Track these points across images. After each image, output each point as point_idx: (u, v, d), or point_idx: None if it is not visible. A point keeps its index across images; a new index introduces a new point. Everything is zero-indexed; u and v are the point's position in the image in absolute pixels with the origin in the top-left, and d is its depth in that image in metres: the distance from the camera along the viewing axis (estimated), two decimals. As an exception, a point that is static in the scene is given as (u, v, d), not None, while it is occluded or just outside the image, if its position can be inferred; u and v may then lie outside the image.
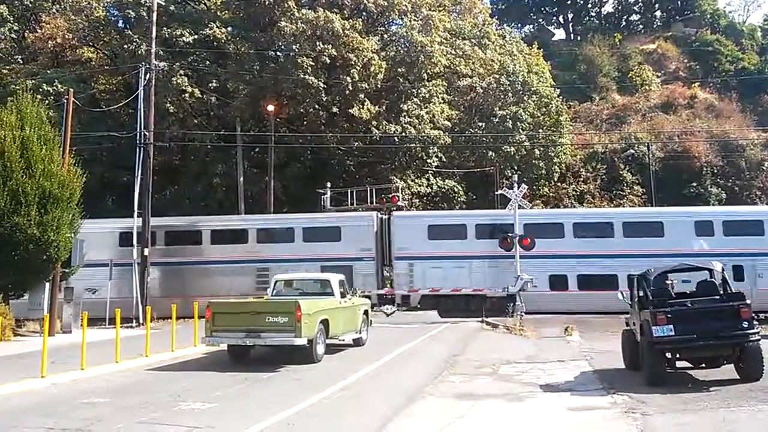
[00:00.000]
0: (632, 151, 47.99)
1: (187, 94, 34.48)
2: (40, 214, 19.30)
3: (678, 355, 11.68)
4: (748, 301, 11.54)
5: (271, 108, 33.54)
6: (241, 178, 36.82)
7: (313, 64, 34.60)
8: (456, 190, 40.30)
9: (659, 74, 60.66)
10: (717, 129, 50.42)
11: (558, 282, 26.96)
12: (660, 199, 40.46)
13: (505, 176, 38.97)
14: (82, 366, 13.38)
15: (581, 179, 47.67)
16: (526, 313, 24.45)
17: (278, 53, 36.95)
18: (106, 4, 38.39)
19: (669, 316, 11.29)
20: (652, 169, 43.35)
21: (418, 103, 38.34)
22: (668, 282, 15.04)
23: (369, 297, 21.83)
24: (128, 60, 33.89)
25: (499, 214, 29.23)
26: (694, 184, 45.64)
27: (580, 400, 10.67)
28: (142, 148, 26.69)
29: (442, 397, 11.08)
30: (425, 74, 39.02)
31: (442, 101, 39.95)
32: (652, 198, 41.38)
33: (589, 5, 78.79)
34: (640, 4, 78.37)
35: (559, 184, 46.24)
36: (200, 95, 35.04)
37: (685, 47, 64.88)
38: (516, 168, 41.14)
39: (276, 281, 17.64)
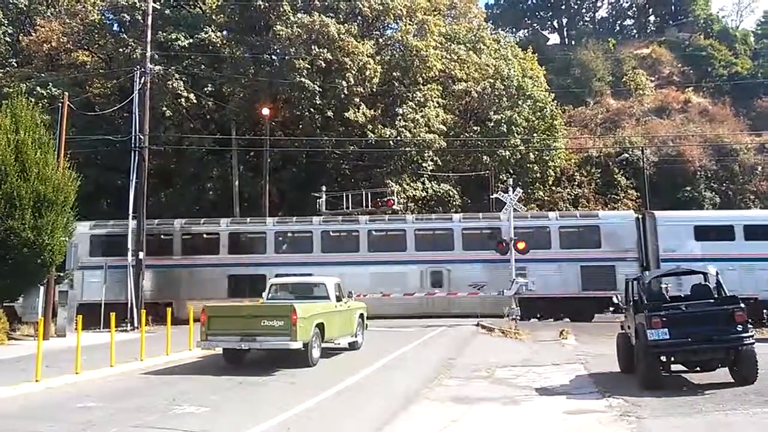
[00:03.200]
0: (626, 155, 48.19)
1: (182, 98, 34.41)
2: (34, 217, 19.25)
3: (673, 359, 11.72)
4: (742, 305, 11.59)
5: (266, 111, 33.48)
6: (237, 182, 36.75)
7: (309, 67, 34.60)
8: (451, 193, 40.32)
9: (653, 79, 61.04)
10: (711, 133, 50.76)
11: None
12: (654, 203, 40.58)
13: (500, 180, 39.01)
14: (77, 370, 13.32)
15: (576, 183, 47.82)
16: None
17: (274, 57, 36.93)
18: (101, 8, 38.39)
19: (664, 319, 11.33)
20: (647, 173, 43.53)
21: (414, 107, 38.37)
22: (663, 285, 15.09)
23: None
24: (123, 63, 33.88)
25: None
26: (688, 188, 45.89)
27: (575, 404, 10.69)
28: (137, 152, 26.66)
29: (438, 400, 11.07)
30: (420, 78, 39.10)
31: (437, 105, 39.98)
32: (646, 202, 41.51)
33: (584, 10, 79.29)
34: (633, 9, 78.93)
35: (553, 188, 46.37)
36: (196, 99, 34.98)
37: (679, 52, 65.31)
38: (511, 172, 41.23)
39: (271, 285, 17.55)
